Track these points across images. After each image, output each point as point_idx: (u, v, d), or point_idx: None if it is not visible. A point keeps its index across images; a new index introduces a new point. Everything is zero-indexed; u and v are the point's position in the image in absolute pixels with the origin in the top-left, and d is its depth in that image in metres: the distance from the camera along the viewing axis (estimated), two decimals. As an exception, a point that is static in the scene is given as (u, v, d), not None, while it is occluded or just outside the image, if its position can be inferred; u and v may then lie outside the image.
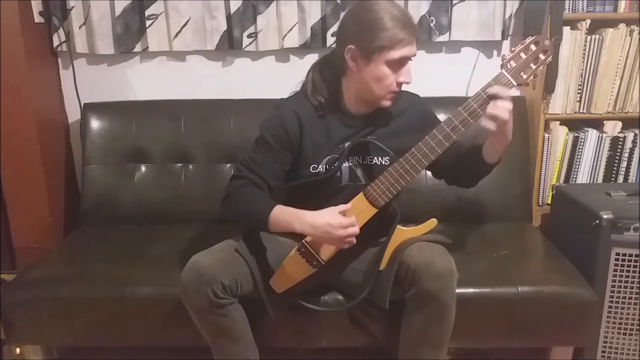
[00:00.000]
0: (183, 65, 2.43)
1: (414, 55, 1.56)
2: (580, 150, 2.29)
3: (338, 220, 1.51)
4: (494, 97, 1.51)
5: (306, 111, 1.64)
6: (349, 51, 1.56)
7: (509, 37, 2.33)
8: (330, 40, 2.29)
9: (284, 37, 2.31)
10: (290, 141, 1.63)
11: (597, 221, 1.84)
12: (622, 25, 2.17)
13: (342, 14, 2.25)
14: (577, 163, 2.31)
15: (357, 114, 1.66)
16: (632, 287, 1.85)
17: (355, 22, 1.56)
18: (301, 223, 1.53)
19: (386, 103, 1.62)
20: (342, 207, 1.55)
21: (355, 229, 1.53)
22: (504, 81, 1.54)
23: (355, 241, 1.55)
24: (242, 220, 1.65)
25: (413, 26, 1.55)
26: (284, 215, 1.55)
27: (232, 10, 2.27)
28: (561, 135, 2.28)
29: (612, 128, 2.28)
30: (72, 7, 2.28)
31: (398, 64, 1.55)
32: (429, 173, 2.11)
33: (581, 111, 2.28)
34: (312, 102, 1.64)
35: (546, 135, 2.28)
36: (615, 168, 2.31)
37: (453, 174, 1.78)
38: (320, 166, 1.64)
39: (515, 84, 1.55)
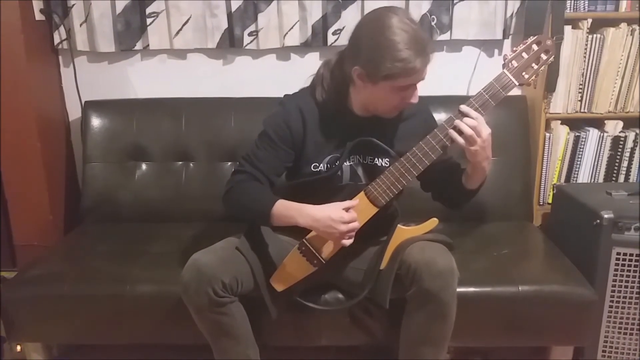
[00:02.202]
0: (184, 64, 2.42)
1: (423, 79, 1.54)
2: (581, 149, 2.29)
3: (339, 215, 1.51)
4: (464, 114, 1.52)
5: (310, 109, 1.64)
6: (356, 71, 1.53)
7: (510, 36, 2.32)
8: (331, 39, 2.29)
9: (284, 36, 2.31)
10: (293, 138, 1.63)
11: (598, 221, 1.84)
12: (623, 25, 2.17)
13: (343, 13, 2.26)
14: (578, 162, 2.31)
15: (362, 116, 1.65)
16: (632, 287, 1.85)
17: (367, 43, 1.49)
18: (304, 216, 1.53)
19: (390, 116, 1.62)
20: (347, 203, 1.55)
21: (356, 225, 1.53)
22: (505, 81, 1.54)
23: (353, 239, 1.54)
24: (243, 215, 1.65)
25: (426, 53, 1.48)
26: (286, 209, 1.55)
27: (233, 9, 2.26)
28: (562, 134, 2.28)
29: (613, 127, 2.27)
30: (73, 5, 2.28)
31: (406, 89, 1.53)
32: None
33: (582, 110, 2.28)
34: (318, 99, 1.64)
35: (547, 134, 2.28)
36: (616, 167, 2.31)
37: (439, 188, 1.78)
38: (321, 165, 1.64)
39: (517, 83, 1.55)
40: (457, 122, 1.53)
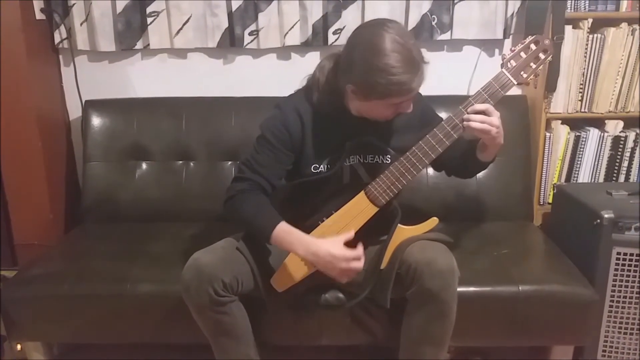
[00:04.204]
0: (184, 63, 2.43)
1: (417, 92, 1.53)
2: (581, 149, 2.29)
3: (341, 252, 1.50)
4: (477, 113, 1.53)
5: (307, 110, 1.63)
6: (349, 88, 1.53)
7: (511, 36, 2.32)
8: (332, 38, 2.29)
9: (285, 35, 2.31)
10: (292, 140, 1.63)
11: (598, 220, 1.84)
12: (624, 25, 2.17)
13: (344, 12, 2.26)
14: (579, 162, 2.31)
15: (359, 115, 1.65)
16: (632, 287, 1.85)
17: (361, 65, 1.47)
18: (304, 248, 1.53)
19: (386, 119, 1.61)
20: (345, 235, 1.54)
21: (359, 264, 1.52)
22: (504, 80, 1.55)
23: (355, 275, 1.55)
24: (244, 227, 1.65)
25: (420, 72, 1.48)
26: (287, 235, 1.54)
27: (234, 8, 2.26)
28: (562, 134, 2.28)
29: (614, 127, 2.27)
30: (74, 4, 2.28)
31: (399, 103, 1.52)
32: (430, 171, 2.12)
33: (583, 110, 2.28)
34: (315, 101, 1.63)
35: (547, 134, 2.28)
36: (616, 167, 2.31)
37: (451, 168, 1.81)
38: (321, 166, 1.64)
39: (516, 83, 1.55)
40: (469, 122, 1.53)
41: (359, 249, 1.53)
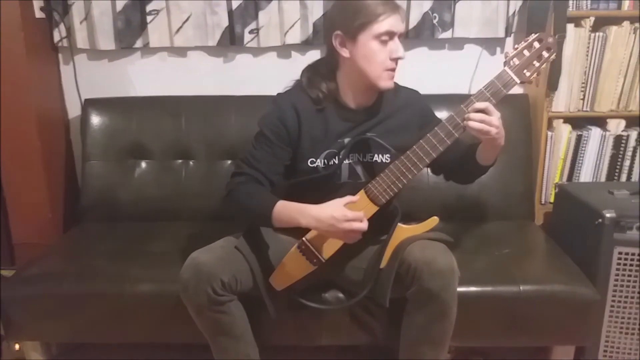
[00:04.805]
0: (184, 61, 2.42)
1: (401, 30, 1.56)
2: (583, 148, 2.28)
3: (342, 213, 1.50)
4: (478, 111, 1.52)
5: (304, 105, 1.64)
6: (336, 38, 1.56)
7: (512, 35, 2.31)
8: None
9: (285, 34, 2.30)
10: (289, 135, 1.63)
11: (600, 220, 1.83)
12: (626, 23, 2.16)
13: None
14: (580, 161, 2.30)
15: (356, 108, 1.65)
16: (634, 287, 1.84)
17: (338, 8, 1.59)
18: (306, 217, 1.52)
19: (385, 83, 1.60)
20: (347, 198, 1.54)
21: (361, 225, 1.51)
22: (506, 79, 1.53)
23: (360, 236, 1.54)
24: (245, 217, 1.65)
25: (394, 3, 1.55)
26: (287, 210, 1.54)
27: (234, 6, 2.26)
28: (564, 133, 2.27)
29: (616, 126, 2.26)
30: (73, 3, 2.27)
31: (385, 39, 1.54)
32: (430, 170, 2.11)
33: (584, 109, 2.27)
34: (311, 95, 1.63)
35: (549, 133, 2.27)
36: (618, 166, 2.30)
37: (450, 171, 1.80)
38: (318, 160, 1.64)
39: (518, 81, 1.54)
40: (468, 122, 1.52)
41: (360, 212, 1.52)
